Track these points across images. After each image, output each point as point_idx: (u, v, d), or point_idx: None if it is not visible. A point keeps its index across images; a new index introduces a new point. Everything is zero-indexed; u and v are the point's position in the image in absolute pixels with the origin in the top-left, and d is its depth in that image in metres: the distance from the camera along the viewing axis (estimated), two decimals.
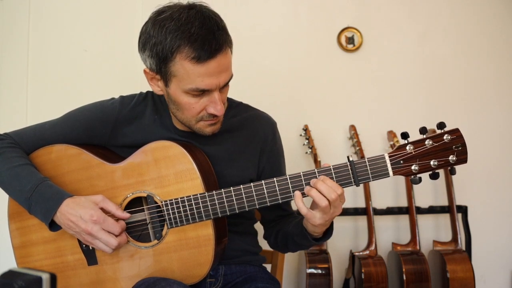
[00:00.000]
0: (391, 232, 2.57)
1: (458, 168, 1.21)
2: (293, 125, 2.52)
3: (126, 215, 1.32)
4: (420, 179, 1.21)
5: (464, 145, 1.18)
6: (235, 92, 1.60)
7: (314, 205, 1.24)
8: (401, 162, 1.20)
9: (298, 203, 1.22)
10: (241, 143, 1.46)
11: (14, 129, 1.50)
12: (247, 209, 1.28)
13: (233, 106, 1.51)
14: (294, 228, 1.38)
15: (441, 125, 1.19)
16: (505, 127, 2.62)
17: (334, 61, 2.57)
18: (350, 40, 2.57)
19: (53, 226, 1.33)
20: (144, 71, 1.35)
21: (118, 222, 1.30)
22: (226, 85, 1.32)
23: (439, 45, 2.61)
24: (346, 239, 2.55)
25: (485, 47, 2.62)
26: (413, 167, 1.19)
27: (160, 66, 1.28)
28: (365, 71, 2.58)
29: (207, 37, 1.22)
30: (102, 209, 1.30)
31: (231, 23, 1.35)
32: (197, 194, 1.30)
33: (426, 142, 1.19)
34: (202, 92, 1.28)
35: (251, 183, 1.27)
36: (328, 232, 1.33)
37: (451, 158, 1.18)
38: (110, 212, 1.31)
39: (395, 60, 2.59)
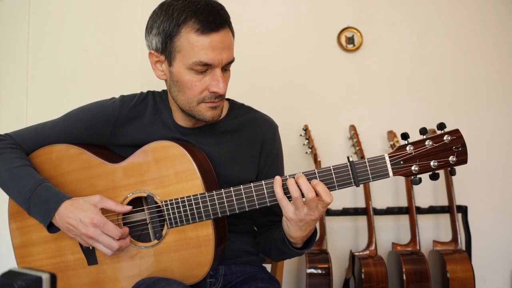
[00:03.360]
0: (391, 232, 2.57)
1: (458, 168, 1.21)
2: (293, 125, 2.52)
3: (126, 208, 1.32)
4: (420, 180, 1.21)
5: (464, 145, 1.18)
6: (235, 92, 1.60)
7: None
8: (401, 162, 1.20)
9: (276, 187, 1.22)
10: (242, 145, 1.46)
11: (15, 129, 1.50)
12: (247, 209, 1.28)
13: (235, 108, 1.52)
14: (278, 233, 1.39)
15: (441, 126, 1.19)
16: (505, 127, 2.62)
17: (334, 61, 2.57)
18: (350, 40, 2.57)
19: (52, 228, 1.33)
20: (149, 54, 1.38)
21: (121, 228, 1.30)
22: (228, 65, 1.34)
23: (439, 45, 2.61)
24: (346, 239, 2.55)
25: (485, 47, 2.62)
26: (413, 168, 1.19)
27: (166, 43, 1.31)
28: (365, 71, 2.58)
29: (212, 12, 1.29)
30: (102, 210, 1.30)
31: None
32: (197, 194, 1.30)
33: (426, 143, 1.19)
34: (205, 69, 1.30)
35: (251, 183, 1.27)
36: (308, 243, 1.34)
37: (451, 158, 1.18)
38: (110, 209, 1.31)
39: (395, 60, 2.59)
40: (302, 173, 1.23)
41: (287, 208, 1.23)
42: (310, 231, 1.28)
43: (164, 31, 1.30)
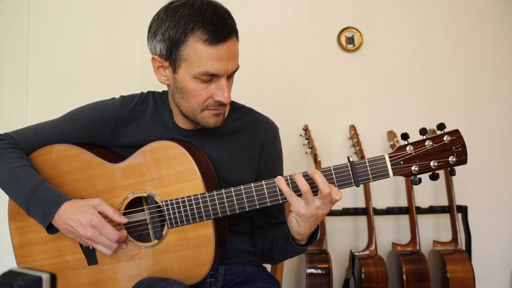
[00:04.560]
0: (391, 232, 2.57)
1: (458, 168, 1.21)
2: (293, 125, 2.52)
3: (123, 220, 1.32)
4: (420, 180, 1.21)
5: (464, 146, 1.18)
6: (235, 92, 1.60)
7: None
8: (401, 162, 1.20)
9: (282, 185, 1.21)
10: (242, 146, 1.46)
11: (14, 129, 1.50)
12: (247, 209, 1.28)
13: (236, 109, 1.51)
14: (280, 232, 1.38)
15: (441, 126, 1.19)
16: (505, 127, 2.62)
17: (334, 61, 2.57)
18: (350, 40, 2.57)
19: (51, 229, 1.33)
20: (152, 58, 1.36)
21: (119, 231, 1.30)
22: (232, 74, 1.34)
23: (439, 45, 2.61)
24: (346, 239, 2.55)
25: (485, 47, 2.62)
26: (413, 168, 1.19)
27: (171, 50, 1.29)
28: (365, 71, 2.58)
29: (220, 21, 1.26)
30: (100, 213, 1.30)
31: None
32: (197, 194, 1.30)
33: (426, 143, 1.19)
34: (210, 78, 1.29)
35: (252, 183, 1.27)
36: (312, 238, 1.33)
37: (451, 159, 1.18)
38: (107, 215, 1.31)
39: (395, 60, 2.59)
40: (302, 173, 1.23)
41: (298, 204, 1.21)
42: (315, 226, 1.29)
43: (169, 39, 1.28)
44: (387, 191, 2.55)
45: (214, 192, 1.29)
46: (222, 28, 1.25)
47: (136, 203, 1.38)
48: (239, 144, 1.46)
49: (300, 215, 1.22)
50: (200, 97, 1.31)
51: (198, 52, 1.26)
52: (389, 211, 2.47)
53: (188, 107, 1.35)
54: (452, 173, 1.20)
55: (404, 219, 2.50)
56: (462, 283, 2.22)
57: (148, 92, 1.51)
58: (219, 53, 1.26)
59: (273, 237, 1.42)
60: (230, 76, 1.34)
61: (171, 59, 1.30)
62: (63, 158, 1.43)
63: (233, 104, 1.53)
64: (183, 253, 1.34)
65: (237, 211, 1.28)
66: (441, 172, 1.28)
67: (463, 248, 2.40)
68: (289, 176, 1.24)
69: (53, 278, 0.72)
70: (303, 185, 1.19)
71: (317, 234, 1.34)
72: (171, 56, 1.30)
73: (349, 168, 1.22)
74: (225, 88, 1.30)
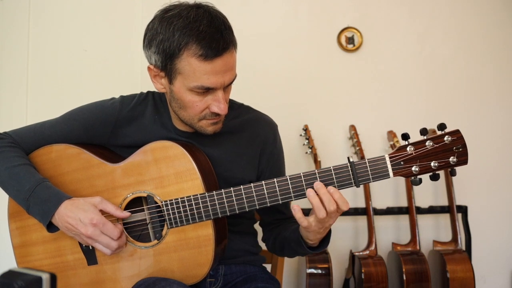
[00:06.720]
0: (391, 232, 2.57)
1: (458, 168, 1.21)
2: (293, 125, 2.52)
3: (125, 214, 1.32)
4: (420, 180, 1.21)
5: (464, 146, 1.18)
6: (235, 92, 1.60)
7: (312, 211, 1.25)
8: (402, 163, 1.20)
9: (298, 215, 1.21)
10: (241, 145, 1.46)
11: (14, 129, 1.49)
12: (247, 209, 1.28)
13: (235, 108, 1.51)
14: (291, 234, 1.39)
15: (441, 126, 1.19)
16: (505, 127, 2.62)
17: (334, 61, 2.57)
18: (350, 40, 2.57)
19: (51, 227, 1.33)
20: (148, 68, 1.35)
21: (116, 226, 1.30)
22: (229, 84, 1.33)
23: (439, 45, 2.61)
24: (346, 239, 2.55)
25: (485, 47, 2.62)
26: (413, 168, 1.19)
27: (166, 63, 1.27)
28: (365, 71, 2.58)
29: (215, 35, 1.23)
30: (101, 211, 1.30)
31: (231, 23, 1.35)
32: (197, 194, 1.30)
33: (426, 143, 1.19)
34: (206, 90, 1.28)
35: (251, 184, 1.27)
36: (324, 242, 1.34)
37: (452, 159, 1.18)
38: (109, 213, 1.31)
39: (395, 60, 2.59)
40: (302, 173, 1.23)
41: (310, 225, 1.23)
42: (325, 233, 1.30)
43: (164, 52, 1.26)
44: (387, 191, 2.55)
45: (214, 193, 1.29)
46: (217, 43, 1.23)
47: (135, 203, 1.38)
48: (238, 142, 1.46)
49: (310, 231, 1.25)
50: (196, 108, 1.31)
51: (193, 67, 1.24)
52: (389, 211, 2.47)
53: (185, 116, 1.35)
54: (453, 173, 1.20)
55: (404, 219, 2.50)
56: (462, 283, 2.22)
57: (148, 92, 1.51)
58: (214, 67, 1.24)
59: (285, 237, 1.43)
60: (227, 86, 1.33)
61: (166, 70, 1.29)
62: (62, 158, 1.43)
63: (232, 103, 1.52)
64: (183, 253, 1.34)
65: (237, 211, 1.28)
66: (441, 172, 1.28)
67: (463, 248, 2.40)
68: (289, 176, 1.24)
69: (53, 278, 0.72)
70: (320, 212, 1.19)
71: (329, 239, 1.34)
72: (166, 68, 1.29)
73: (349, 168, 1.22)
74: (221, 100, 1.29)
